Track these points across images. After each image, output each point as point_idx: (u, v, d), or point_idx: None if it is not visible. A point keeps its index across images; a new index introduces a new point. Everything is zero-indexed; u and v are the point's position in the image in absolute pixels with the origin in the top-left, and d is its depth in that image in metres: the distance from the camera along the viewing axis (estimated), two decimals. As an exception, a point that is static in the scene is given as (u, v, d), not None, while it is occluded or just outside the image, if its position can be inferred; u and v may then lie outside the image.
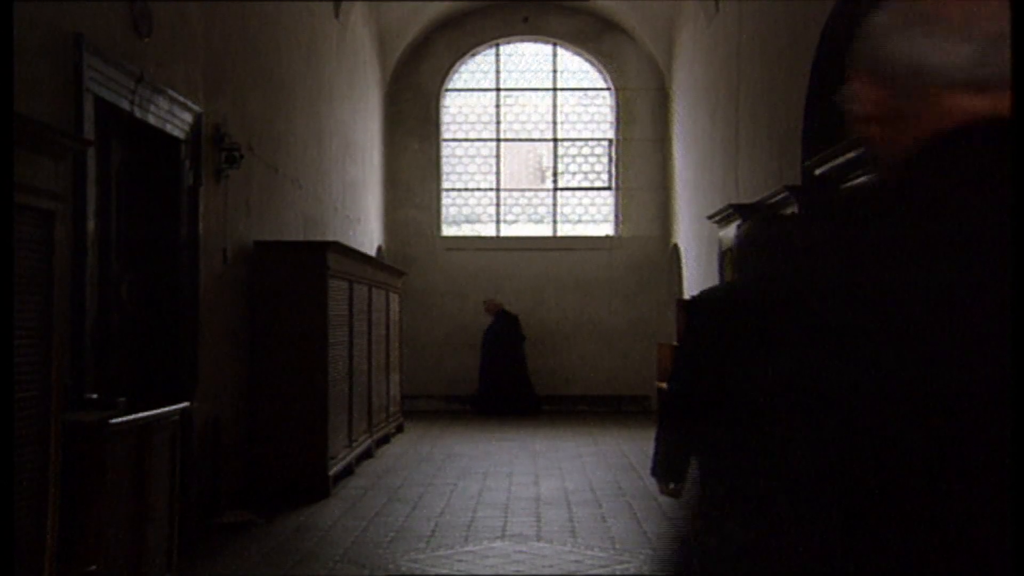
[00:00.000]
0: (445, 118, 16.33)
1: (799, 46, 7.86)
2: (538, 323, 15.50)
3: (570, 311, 15.73)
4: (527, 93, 16.40)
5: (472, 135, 16.39)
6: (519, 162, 16.49)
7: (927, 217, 1.08)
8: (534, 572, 6.04)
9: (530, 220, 16.33)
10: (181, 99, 6.39)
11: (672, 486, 3.52)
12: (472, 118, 16.42)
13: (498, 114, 16.37)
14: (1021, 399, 1.32)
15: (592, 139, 16.29)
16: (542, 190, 16.37)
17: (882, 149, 1.21)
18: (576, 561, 6.15)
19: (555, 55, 16.32)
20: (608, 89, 16.19)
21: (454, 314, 15.64)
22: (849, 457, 1.18)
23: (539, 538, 6.79)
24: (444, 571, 5.88)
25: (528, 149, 16.49)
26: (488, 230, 16.31)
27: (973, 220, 1.05)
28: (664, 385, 7.77)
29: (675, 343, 10.76)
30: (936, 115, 1.13)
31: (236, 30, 7.74)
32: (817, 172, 7.06)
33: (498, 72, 16.37)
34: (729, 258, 8.30)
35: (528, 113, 16.41)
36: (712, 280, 9.83)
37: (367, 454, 10.04)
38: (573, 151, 16.32)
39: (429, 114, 16.12)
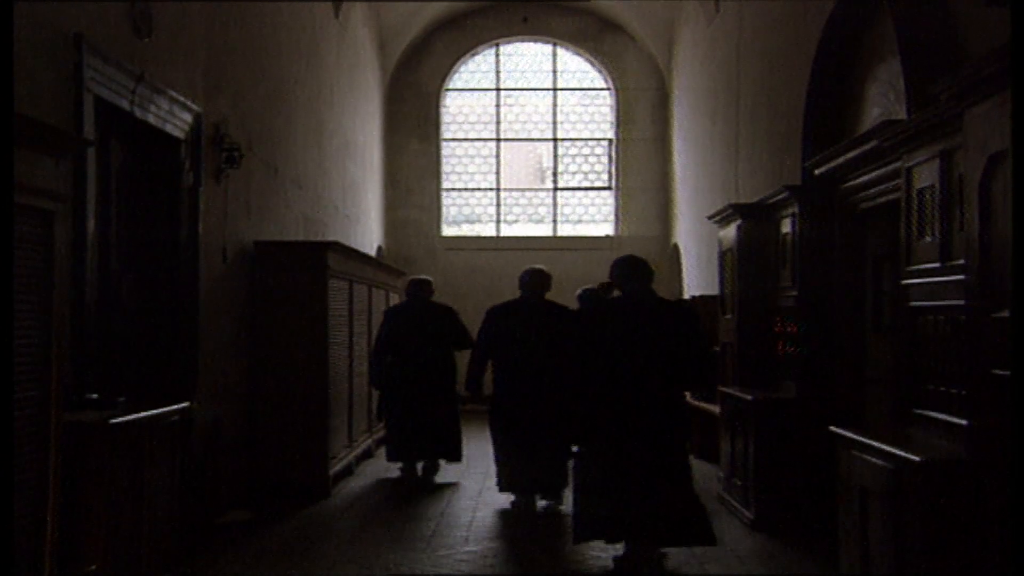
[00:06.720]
0: (445, 118, 16.33)
1: (799, 46, 7.86)
2: (538, 323, 15.45)
3: (570, 311, 15.70)
4: (527, 93, 16.41)
5: (472, 135, 16.39)
6: (519, 162, 16.49)
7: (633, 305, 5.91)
8: (534, 572, 6.05)
9: (530, 220, 16.34)
10: (181, 99, 6.38)
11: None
12: (472, 118, 16.42)
13: (498, 114, 16.37)
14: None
15: (592, 139, 16.29)
16: (542, 190, 16.37)
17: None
18: (577, 561, 6.16)
19: (555, 55, 16.32)
20: (608, 89, 16.20)
21: (454, 314, 15.59)
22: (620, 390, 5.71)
23: (539, 538, 6.80)
24: (444, 571, 5.88)
25: (528, 149, 16.49)
26: (488, 230, 16.31)
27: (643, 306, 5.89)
28: None
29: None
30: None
31: (236, 30, 7.73)
32: (817, 172, 7.05)
33: (498, 72, 16.37)
34: (729, 258, 8.29)
35: (528, 113, 16.42)
36: (712, 279, 9.84)
37: (367, 454, 10.04)
38: (573, 151, 16.32)
39: (429, 114, 16.12)
